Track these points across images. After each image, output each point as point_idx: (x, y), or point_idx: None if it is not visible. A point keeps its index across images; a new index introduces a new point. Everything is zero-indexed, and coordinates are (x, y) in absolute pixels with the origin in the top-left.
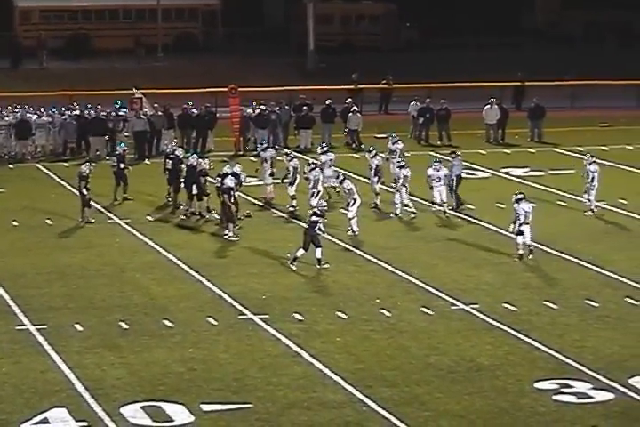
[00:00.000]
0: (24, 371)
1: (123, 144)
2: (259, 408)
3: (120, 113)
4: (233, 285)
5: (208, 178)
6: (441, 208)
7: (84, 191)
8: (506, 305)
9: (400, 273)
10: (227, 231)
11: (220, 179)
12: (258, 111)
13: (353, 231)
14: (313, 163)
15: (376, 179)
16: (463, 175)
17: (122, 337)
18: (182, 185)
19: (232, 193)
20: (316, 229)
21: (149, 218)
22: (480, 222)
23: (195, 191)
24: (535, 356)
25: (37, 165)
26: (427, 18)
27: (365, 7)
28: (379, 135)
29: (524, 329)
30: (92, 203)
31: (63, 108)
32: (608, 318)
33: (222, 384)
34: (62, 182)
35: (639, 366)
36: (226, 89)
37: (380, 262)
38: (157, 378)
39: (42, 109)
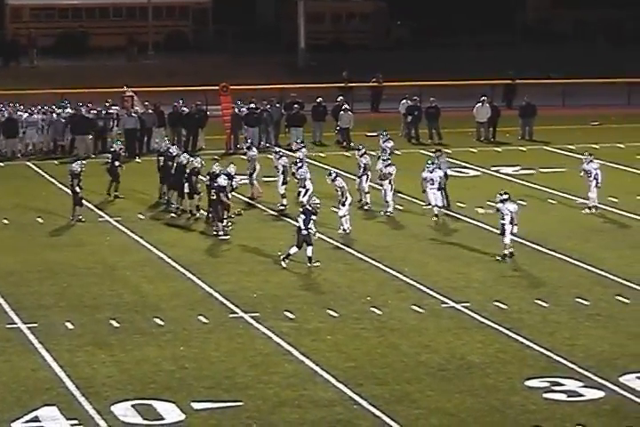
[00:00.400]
0: (14, 369)
1: (119, 142)
2: (249, 406)
3: (110, 111)
4: (224, 283)
5: (200, 177)
6: (435, 211)
7: (77, 189)
8: (496, 303)
9: (391, 271)
10: (218, 230)
11: (208, 177)
12: (248, 109)
13: (344, 229)
14: (300, 161)
15: (365, 177)
16: (452, 173)
17: (112, 335)
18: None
19: (225, 192)
20: (308, 227)
21: (140, 216)
22: (471, 221)
23: (187, 190)
24: (526, 354)
25: (28, 163)
26: (417, 16)
27: (356, 5)
28: (369, 133)
29: (514, 327)
30: (83, 201)
31: (54, 107)
32: (599, 316)
33: (213, 382)
34: (53, 180)
35: (630, 365)
36: (216, 87)
37: (370, 261)
38: (148, 376)
39: (32, 108)
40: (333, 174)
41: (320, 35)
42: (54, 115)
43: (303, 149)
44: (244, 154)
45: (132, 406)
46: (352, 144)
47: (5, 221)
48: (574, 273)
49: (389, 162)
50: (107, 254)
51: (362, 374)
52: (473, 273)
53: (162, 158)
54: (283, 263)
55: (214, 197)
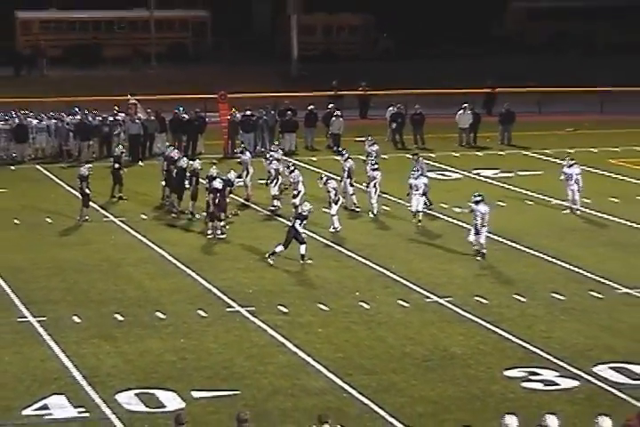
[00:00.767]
0: (25, 360)
1: (120, 146)
2: (246, 395)
3: (117, 117)
4: (221, 279)
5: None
6: (416, 216)
7: (87, 191)
8: (477, 298)
9: (378, 268)
10: (215, 230)
11: (207, 180)
12: (244, 116)
13: (335, 228)
14: (292, 165)
15: (349, 180)
16: (436, 176)
17: (117, 328)
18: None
19: (218, 194)
20: (299, 228)
21: (143, 216)
22: (453, 220)
23: (190, 192)
24: (505, 346)
25: (37, 166)
26: (402, 29)
27: (345, 19)
28: (358, 139)
29: (494, 321)
30: (90, 203)
31: (63, 114)
32: (573, 310)
33: (212, 372)
34: (61, 183)
35: (602, 356)
36: (214, 95)
37: (359, 258)
38: (150, 367)
39: (42, 115)
40: (324, 178)
41: (312, 46)
42: (60, 121)
43: (280, 151)
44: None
45: (136, 394)
46: (339, 149)
47: (16, 222)
48: (550, 270)
49: (376, 166)
50: (111, 252)
51: (351, 364)
52: (455, 270)
53: (166, 163)
54: (270, 260)
55: (208, 199)
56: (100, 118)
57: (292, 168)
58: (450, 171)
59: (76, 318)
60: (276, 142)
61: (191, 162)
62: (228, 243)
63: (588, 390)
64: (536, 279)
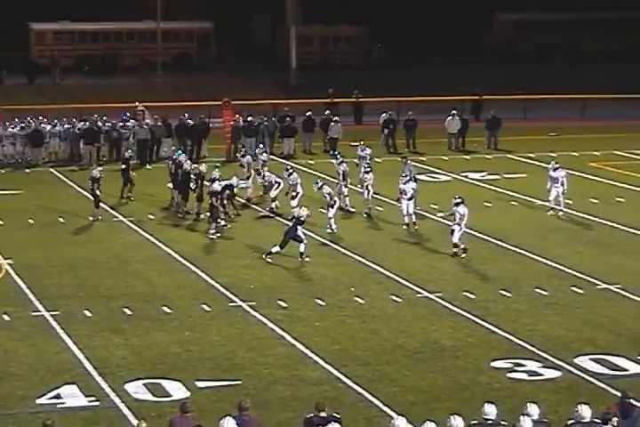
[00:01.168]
0: (39, 352)
1: (130, 151)
2: (247, 385)
3: (127, 124)
4: (224, 275)
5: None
6: (405, 219)
7: (97, 192)
8: (465, 293)
9: (372, 265)
10: (209, 230)
11: (210, 182)
12: (246, 122)
13: (332, 229)
14: (291, 168)
15: (344, 182)
16: (426, 178)
17: (126, 322)
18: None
19: (218, 196)
20: (297, 231)
21: (151, 216)
22: (442, 221)
23: (196, 193)
24: (491, 338)
25: (51, 169)
26: (396, 39)
27: (341, 30)
28: (353, 143)
29: (481, 315)
30: (100, 204)
31: (74, 120)
32: (556, 304)
33: (215, 364)
34: (73, 185)
35: (583, 347)
36: (217, 102)
37: (354, 256)
38: (157, 358)
39: (55, 120)
40: (319, 183)
41: (309, 56)
42: (72, 127)
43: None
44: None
45: (143, 384)
46: (335, 152)
47: (31, 221)
48: (534, 267)
49: (368, 169)
50: (121, 250)
51: (346, 356)
52: (444, 267)
53: (173, 166)
54: (268, 259)
55: (209, 201)
56: (110, 124)
57: (291, 171)
58: (439, 173)
59: (87, 313)
60: (261, 146)
61: (195, 165)
62: (230, 241)
63: (569, 380)
64: (521, 276)
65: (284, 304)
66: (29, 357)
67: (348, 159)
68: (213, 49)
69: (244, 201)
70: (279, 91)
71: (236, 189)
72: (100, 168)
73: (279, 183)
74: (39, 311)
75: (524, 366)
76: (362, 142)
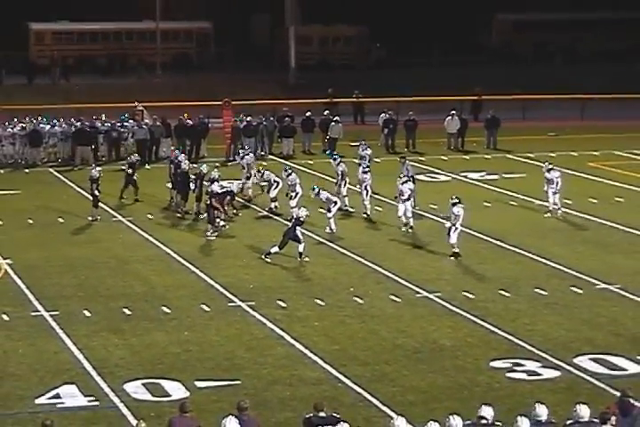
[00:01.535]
0: (38, 352)
1: (136, 155)
2: (246, 384)
3: (125, 124)
4: (223, 275)
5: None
6: (402, 220)
7: (96, 193)
8: (465, 293)
9: (371, 265)
10: (208, 231)
11: (209, 183)
12: (246, 122)
13: (331, 229)
14: (290, 168)
15: (343, 183)
16: (426, 178)
17: (125, 322)
18: (181, 187)
19: (217, 198)
20: (296, 231)
21: (150, 216)
22: (442, 220)
23: (196, 193)
24: (490, 338)
25: (50, 169)
26: (395, 39)
27: (340, 30)
28: (353, 143)
29: (480, 315)
30: (99, 204)
31: (73, 120)
32: (555, 304)
33: (214, 363)
34: (72, 185)
35: (582, 347)
36: (217, 102)
37: (353, 256)
38: (156, 358)
39: (54, 120)
40: (317, 189)
41: (308, 56)
42: (71, 127)
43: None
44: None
45: (143, 384)
46: (334, 153)
47: (30, 221)
48: (533, 267)
49: (367, 169)
50: (120, 250)
51: (346, 356)
52: (444, 267)
53: (172, 166)
54: (267, 259)
55: (207, 202)
56: (109, 124)
57: (290, 171)
58: (439, 173)
59: (86, 313)
60: (246, 146)
61: (195, 165)
62: (229, 241)
63: (568, 379)
64: (520, 276)
65: (283, 304)
66: (28, 357)
67: (349, 159)
68: (213, 49)
69: (243, 201)
70: (278, 91)
71: (236, 189)
72: (99, 168)
73: (278, 182)
74: (38, 311)
75: (523, 365)
76: (363, 142)
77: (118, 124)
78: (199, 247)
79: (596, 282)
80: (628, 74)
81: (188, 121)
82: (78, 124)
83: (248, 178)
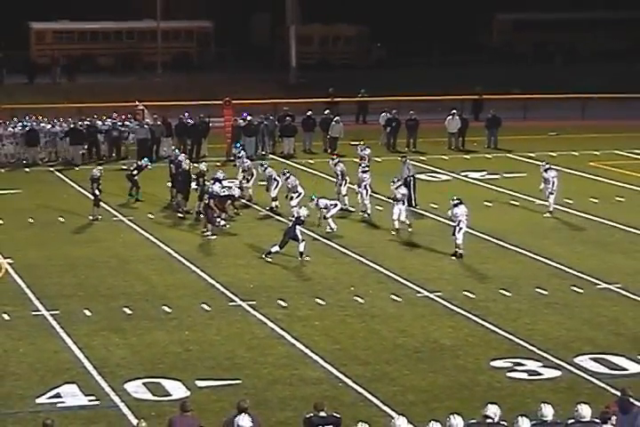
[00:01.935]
0: (39, 351)
1: (146, 159)
2: (247, 384)
3: (126, 123)
4: (224, 275)
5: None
6: (395, 224)
7: (96, 192)
8: (465, 293)
9: (372, 265)
10: (206, 230)
11: (212, 182)
12: (247, 121)
13: (331, 228)
14: (288, 172)
15: (343, 182)
16: (427, 178)
17: (126, 321)
18: (182, 186)
19: (217, 199)
20: (296, 230)
21: (150, 216)
22: (442, 220)
23: (198, 193)
24: (491, 338)
25: (50, 168)
26: (395, 39)
27: (341, 29)
28: (353, 143)
29: (481, 314)
30: (100, 203)
31: (70, 119)
32: (556, 304)
33: (214, 363)
34: (73, 184)
35: (583, 347)
36: (217, 102)
37: (354, 255)
38: (157, 357)
39: (54, 120)
40: (315, 200)
41: (309, 55)
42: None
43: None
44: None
45: (143, 383)
46: (334, 151)
47: (31, 220)
48: (533, 266)
49: (366, 169)
50: (120, 250)
51: (346, 355)
52: (444, 266)
53: (172, 166)
54: (267, 259)
55: (206, 202)
56: (110, 123)
57: (288, 175)
58: (439, 173)
59: (87, 312)
60: (238, 145)
61: (196, 164)
62: (230, 241)
63: (569, 379)
64: (520, 275)
65: (283, 304)
66: (29, 356)
67: (349, 158)
68: (213, 48)
69: (244, 201)
70: (279, 90)
71: (237, 193)
72: (100, 167)
73: (278, 181)
74: (39, 311)
75: (523, 365)
76: (362, 142)
77: (119, 124)
78: (200, 247)
79: (597, 282)
80: (628, 74)
81: (189, 120)
82: (79, 123)
83: (248, 181)
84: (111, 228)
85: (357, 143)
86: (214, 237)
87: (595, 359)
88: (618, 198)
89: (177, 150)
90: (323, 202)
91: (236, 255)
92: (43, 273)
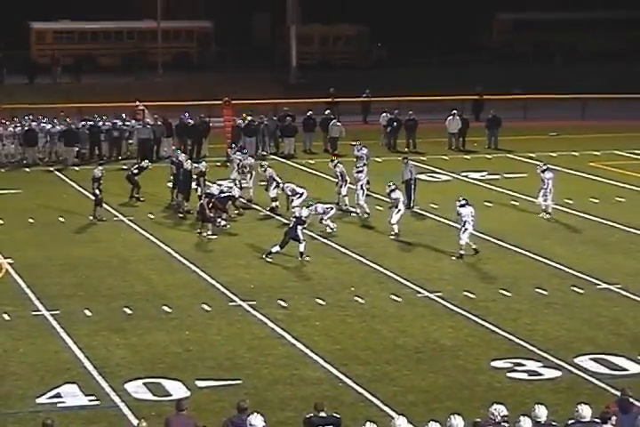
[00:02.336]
0: (39, 351)
1: (147, 161)
2: (247, 384)
3: (127, 123)
4: (224, 275)
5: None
6: (394, 228)
7: (97, 192)
8: (466, 293)
9: (372, 265)
10: (206, 230)
11: (212, 184)
12: (247, 121)
13: (331, 228)
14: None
15: (343, 183)
16: (427, 178)
17: (126, 321)
18: (183, 186)
19: (212, 198)
20: (297, 230)
21: (151, 216)
22: (442, 220)
23: (198, 193)
24: (491, 338)
25: (51, 168)
26: (395, 38)
27: (341, 29)
28: (353, 143)
29: (481, 314)
30: (102, 203)
31: (68, 119)
32: (556, 304)
33: (215, 363)
34: (73, 184)
35: (583, 347)
36: (217, 102)
37: (354, 255)
38: (157, 357)
39: (55, 119)
40: (312, 206)
41: (309, 55)
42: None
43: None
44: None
45: (143, 383)
46: (334, 152)
47: (31, 220)
48: (534, 266)
49: (361, 169)
50: (121, 250)
51: (346, 355)
52: (444, 266)
53: (174, 166)
54: (268, 259)
55: (201, 202)
56: (110, 123)
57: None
58: (440, 173)
59: (87, 312)
60: (233, 145)
61: (196, 164)
62: (230, 241)
63: (569, 379)
64: (521, 275)
65: (284, 304)
66: (29, 356)
67: (349, 159)
68: (213, 48)
69: (244, 201)
70: (279, 90)
71: (237, 194)
72: (101, 168)
73: (277, 182)
74: (39, 311)
75: (524, 365)
76: (358, 142)
77: (119, 123)
78: (200, 247)
79: (597, 282)
80: (628, 74)
81: (190, 120)
82: (80, 122)
83: (250, 178)
84: (111, 228)
85: (355, 143)
86: (214, 236)
87: (595, 360)
88: (618, 199)
89: (178, 151)
90: (320, 208)
91: (236, 255)
92: (43, 273)
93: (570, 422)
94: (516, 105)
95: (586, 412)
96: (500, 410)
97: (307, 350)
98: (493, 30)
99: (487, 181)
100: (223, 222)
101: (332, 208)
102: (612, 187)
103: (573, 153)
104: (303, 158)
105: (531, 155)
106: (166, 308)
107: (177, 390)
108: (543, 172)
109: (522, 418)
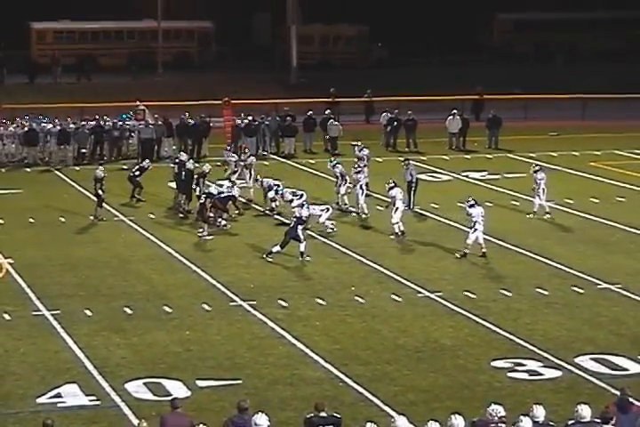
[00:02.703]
0: (39, 351)
1: (147, 160)
2: (247, 384)
3: (127, 123)
4: (225, 275)
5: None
6: (395, 228)
7: (99, 192)
8: (466, 293)
9: (372, 264)
10: (201, 230)
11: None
12: (247, 121)
13: (331, 229)
14: (280, 190)
15: (343, 182)
16: (427, 178)
17: (126, 321)
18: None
19: (212, 199)
20: (297, 230)
21: (151, 216)
22: (443, 220)
23: (197, 193)
24: (492, 338)
25: (51, 168)
26: (396, 38)
27: (341, 29)
28: (353, 143)
29: (482, 314)
30: (103, 203)
31: (68, 119)
32: (556, 304)
33: (215, 363)
34: (74, 184)
35: (584, 347)
36: (218, 102)
37: (354, 255)
38: (158, 357)
39: (55, 119)
40: (312, 210)
41: (310, 55)
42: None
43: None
44: (244, 161)
45: (144, 383)
46: (334, 153)
47: (31, 220)
48: (534, 266)
49: (359, 169)
50: (121, 250)
51: (347, 355)
52: (445, 266)
53: (175, 167)
54: (268, 259)
55: (202, 201)
56: (111, 123)
57: (281, 191)
58: (440, 173)
59: (87, 312)
60: (228, 147)
61: (197, 165)
62: (230, 241)
63: (570, 379)
64: (521, 275)
65: (284, 304)
66: (30, 356)
67: (350, 158)
68: (214, 48)
69: (245, 201)
70: (279, 90)
71: (237, 193)
72: (102, 168)
73: (278, 185)
74: (39, 311)
75: (524, 365)
76: (359, 143)
77: (120, 123)
78: (200, 246)
79: (598, 282)
80: (627, 74)
81: (190, 120)
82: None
83: (250, 178)
84: (112, 228)
85: (356, 143)
86: (210, 237)
87: (595, 359)
88: (618, 198)
89: (180, 151)
90: (316, 211)
91: (236, 255)
92: (43, 273)
93: (570, 422)
94: (516, 105)
95: (586, 412)
96: (497, 411)
97: (307, 350)
98: (494, 30)
99: (487, 180)
100: (224, 222)
101: (328, 209)
102: (613, 187)
103: (574, 153)
104: (303, 158)
105: (531, 155)
106: (167, 308)
107: (177, 389)
108: (535, 172)
109: (522, 418)
